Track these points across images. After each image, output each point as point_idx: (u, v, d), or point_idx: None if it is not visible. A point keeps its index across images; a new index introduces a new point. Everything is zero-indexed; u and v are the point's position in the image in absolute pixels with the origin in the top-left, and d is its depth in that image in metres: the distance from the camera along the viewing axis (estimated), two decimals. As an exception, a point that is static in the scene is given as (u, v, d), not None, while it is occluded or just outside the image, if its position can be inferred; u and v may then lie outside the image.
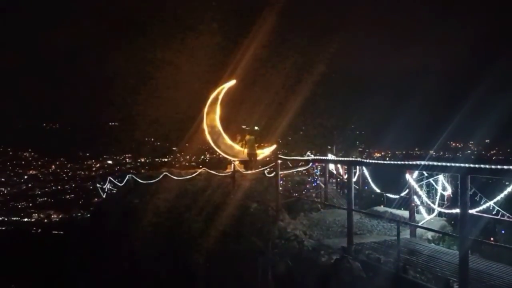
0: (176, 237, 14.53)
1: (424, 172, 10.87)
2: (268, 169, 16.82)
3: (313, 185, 17.22)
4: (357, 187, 15.38)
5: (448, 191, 11.53)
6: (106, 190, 24.04)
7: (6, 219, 61.66)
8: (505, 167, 6.36)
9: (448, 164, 7.22)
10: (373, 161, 9.70)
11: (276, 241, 10.77)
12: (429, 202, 11.19)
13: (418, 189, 10.70)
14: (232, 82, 20.29)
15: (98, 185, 25.92)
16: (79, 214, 52.24)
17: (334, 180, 19.29)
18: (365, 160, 9.38)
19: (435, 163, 7.51)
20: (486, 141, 70.77)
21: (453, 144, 75.88)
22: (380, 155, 68.01)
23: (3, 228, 57.84)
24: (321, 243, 10.08)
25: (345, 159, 11.62)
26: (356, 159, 10.14)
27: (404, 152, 68.66)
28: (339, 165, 18.38)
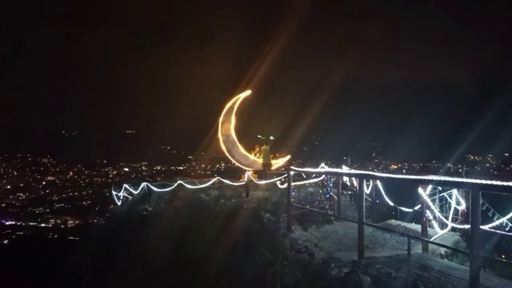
0: (188, 246, 14.59)
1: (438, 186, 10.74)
2: (281, 180, 16.81)
3: (326, 196, 17.11)
4: (370, 200, 15.25)
5: (463, 206, 11.35)
6: (121, 198, 24.31)
7: (23, 224, 62.59)
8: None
9: (460, 180, 7.14)
10: (385, 175, 9.61)
11: (286, 252, 10.73)
12: (441, 217, 11.03)
13: (430, 203, 10.57)
14: (247, 93, 20.40)
15: (113, 192, 26.19)
16: (95, 220, 52.71)
17: (348, 192, 19.11)
18: (376, 174, 9.31)
19: (447, 179, 7.44)
20: (506, 154, 69.65)
21: (471, 157, 74.71)
22: (396, 167, 67.36)
23: (21, 233, 58.70)
24: (332, 256, 10.01)
25: (357, 172, 11.53)
26: (367, 172, 10.05)
27: (421, 164, 67.89)
28: (353, 177, 18.25)
